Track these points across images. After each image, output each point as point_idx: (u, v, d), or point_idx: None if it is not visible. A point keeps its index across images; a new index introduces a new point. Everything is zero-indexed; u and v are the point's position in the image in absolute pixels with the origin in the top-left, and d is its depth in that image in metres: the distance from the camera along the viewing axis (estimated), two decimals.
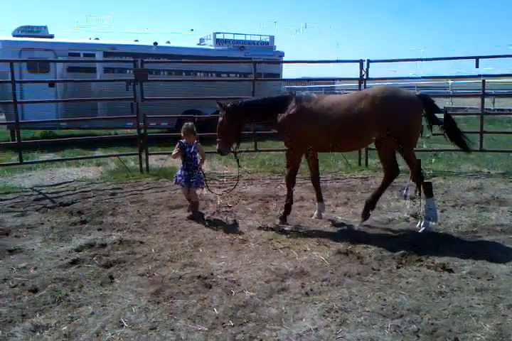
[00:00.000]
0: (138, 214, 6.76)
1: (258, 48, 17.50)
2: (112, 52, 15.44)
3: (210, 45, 17.67)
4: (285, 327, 3.64)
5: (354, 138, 6.00)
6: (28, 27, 16.07)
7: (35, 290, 4.28)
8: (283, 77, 17.83)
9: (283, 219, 6.34)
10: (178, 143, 6.62)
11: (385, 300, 4.10)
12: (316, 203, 6.71)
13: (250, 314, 3.85)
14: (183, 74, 16.37)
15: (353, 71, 11.07)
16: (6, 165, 9.99)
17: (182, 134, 6.63)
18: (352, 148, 6.85)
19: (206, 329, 3.62)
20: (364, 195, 7.86)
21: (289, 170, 6.34)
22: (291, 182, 6.39)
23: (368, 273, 4.68)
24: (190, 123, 6.68)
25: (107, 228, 6.07)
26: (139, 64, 9.76)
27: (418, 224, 6.03)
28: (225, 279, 4.51)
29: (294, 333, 3.54)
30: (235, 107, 6.31)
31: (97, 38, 16.90)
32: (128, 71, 11.60)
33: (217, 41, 17.32)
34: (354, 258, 5.04)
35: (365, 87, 10.73)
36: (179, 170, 6.72)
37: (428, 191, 5.91)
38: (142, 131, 9.95)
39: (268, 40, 17.82)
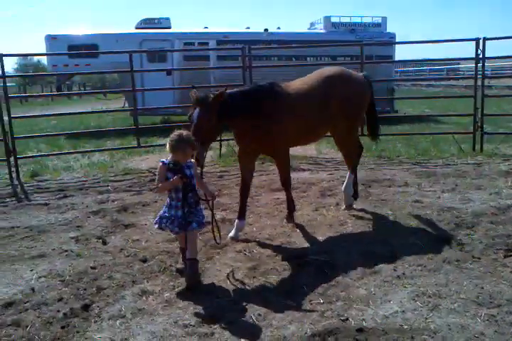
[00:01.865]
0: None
1: (369, 30, 17.09)
2: (224, 40, 16.00)
3: (320, 28, 17.58)
4: (372, 307, 3.69)
5: (324, 126, 5.81)
6: (150, 19, 17.14)
7: (144, 260, 4.73)
8: (395, 59, 17.26)
9: (290, 219, 5.75)
10: (162, 166, 4.21)
11: (482, 288, 3.97)
12: (236, 220, 5.48)
13: (340, 293, 3.95)
14: (293, 59, 16.50)
15: (470, 50, 10.47)
16: (126, 148, 10.89)
17: (170, 149, 4.14)
18: (318, 138, 6.35)
19: (295, 304, 3.79)
20: (474, 181, 7.51)
21: (285, 171, 5.62)
22: (290, 184, 5.74)
23: (468, 260, 4.53)
24: (184, 132, 4.18)
25: None
26: (247, 51, 10.04)
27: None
28: (319, 259, 4.63)
29: (380, 314, 3.58)
30: (233, 99, 4.91)
31: (206, 27, 17.57)
32: (239, 58, 11.95)
33: (328, 25, 17.18)
34: (454, 245, 4.90)
35: (482, 67, 10.12)
36: (164, 208, 4.35)
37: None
38: None
39: (380, 21, 17.32)
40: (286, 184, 5.67)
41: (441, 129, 13.54)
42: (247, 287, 4.14)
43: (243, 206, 5.49)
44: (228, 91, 4.91)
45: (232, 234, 5.32)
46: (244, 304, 3.83)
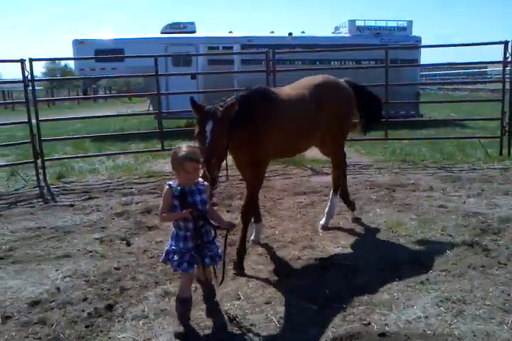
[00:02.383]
0: (264, 199, 7.07)
1: (394, 34, 16.97)
2: (248, 44, 16.08)
3: (345, 32, 17.53)
4: (394, 312, 3.66)
5: (312, 135, 5.37)
6: (175, 24, 17.33)
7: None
8: (421, 63, 17.11)
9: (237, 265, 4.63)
10: (167, 191, 3.56)
11: (509, 294, 3.89)
12: (253, 224, 5.28)
13: (362, 298, 3.92)
14: (317, 63, 16.48)
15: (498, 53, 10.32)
16: (150, 151, 11.02)
17: (174, 168, 3.55)
18: (306, 149, 5.79)
19: (316, 308, 3.78)
20: (501, 186, 7.38)
21: (255, 193, 4.90)
22: (252, 211, 4.96)
23: (494, 266, 4.46)
24: (184, 148, 3.56)
25: (234, 210, 6.46)
26: (271, 55, 10.06)
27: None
28: (341, 263, 4.61)
29: (403, 319, 3.55)
30: (247, 103, 4.45)
31: (230, 31, 17.65)
32: (262, 62, 11.99)
33: (353, 28, 17.12)
34: (480, 251, 4.82)
35: (511, 71, 9.98)
36: (170, 241, 3.67)
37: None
38: None
39: (405, 25, 17.19)
40: (247, 214, 4.82)
41: (467, 134, 13.35)
42: (269, 290, 4.14)
43: (257, 210, 5.29)
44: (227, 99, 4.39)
45: (253, 237, 5.27)
46: (266, 307, 3.83)
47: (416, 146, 11.23)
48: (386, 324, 3.50)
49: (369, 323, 3.52)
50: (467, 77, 40.90)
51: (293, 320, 3.62)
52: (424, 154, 10.46)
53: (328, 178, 8.23)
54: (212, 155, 3.90)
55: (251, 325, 3.58)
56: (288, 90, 5.22)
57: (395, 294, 3.95)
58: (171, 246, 3.62)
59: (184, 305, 3.64)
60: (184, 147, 3.53)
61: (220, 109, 4.12)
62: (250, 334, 3.45)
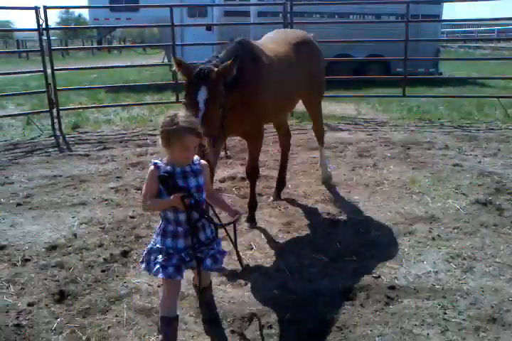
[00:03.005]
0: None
1: None
2: None
3: None
4: (404, 267, 3.71)
5: (298, 94, 5.03)
6: None
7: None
8: (443, 18, 16.51)
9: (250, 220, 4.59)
10: (153, 171, 2.64)
11: None
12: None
13: (373, 252, 3.97)
14: (336, 16, 15.98)
15: None
16: (165, 103, 10.96)
17: (167, 143, 2.59)
18: (290, 109, 5.63)
19: (328, 260, 3.84)
20: None
21: (256, 157, 4.57)
22: (257, 170, 4.68)
23: (506, 225, 4.47)
24: (181, 113, 2.63)
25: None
26: (289, 7, 9.77)
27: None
28: (354, 218, 4.65)
29: (413, 273, 3.60)
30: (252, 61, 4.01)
31: None
32: (280, 15, 11.64)
33: None
34: (493, 210, 4.82)
35: None
36: (155, 237, 2.81)
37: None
38: None
39: None
40: (253, 173, 4.62)
41: (486, 93, 13.05)
42: (281, 242, 4.20)
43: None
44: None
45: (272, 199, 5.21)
46: (278, 258, 3.90)
47: (433, 104, 11.03)
48: (396, 277, 3.55)
49: (379, 276, 3.57)
50: (489, 35, 39.61)
51: (304, 271, 3.69)
52: (441, 112, 10.28)
53: (344, 134, 8.22)
54: (210, 128, 3.19)
55: (263, 274, 3.66)
56: (271, 45, 4.62)
57: (406, 249, 4.00)
58: (154, 243, 2.72)
59: (170, 325, 2.74)
60: (181, 114, 2.60)
61: (215, 69, 3.39)
62: (261, 284, 3.53)
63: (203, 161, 2.80)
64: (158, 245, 2.70)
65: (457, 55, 28.49)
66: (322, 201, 5.11)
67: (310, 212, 4.81)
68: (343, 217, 4.68)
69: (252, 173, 4.59)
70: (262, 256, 3.93)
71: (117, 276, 3.65)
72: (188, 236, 2.63)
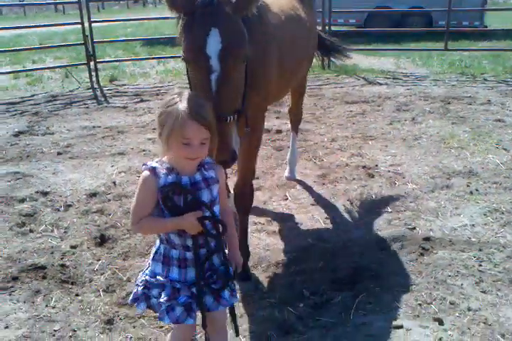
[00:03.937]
0: (314, 107, 6.98)
1: None
2: None
3: None
4: (440, 219, 3.69)
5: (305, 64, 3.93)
6: None
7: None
8: None
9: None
10: (148, 178, 1.86)
11: None
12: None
13: (409, 204, 3.95)
14: None
15: None
16: None
17: (165, 134, 1.82)
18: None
19: (362, 211, 3.86)
20: None
21: (252, 162, 3.07)
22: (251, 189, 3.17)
23: None
24: (186, 93, 1.88)
25: (283, 117, 6.42)
26: None
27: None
28: (390, 171, 4.61)
29: (449, 226, 3.58)
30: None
31: None
32: None
33: None
34: None
35: None
36: (151, 264, 2.02)
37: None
38: (327, 28, 9.86)
39: None
40: (246, 194, 3.11)
41: None
42: (316, 193, 4.22)
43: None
44: None
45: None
46: (312, 208, 3.93)
47: (477, 59, 10.59)
48: (431, 229, 3.54)
49: (414, 228, 3.57)
50: None
51: (338, 221, 3.72)
52: (484, 67, 9.87)
53: (382, 88, 8.04)
54: (227, 107, 2.15)
55: (296, 223, 3.70)
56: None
57: (442, 202, 3.96)
58: (151, 272, 1.99)
59: None
60: (187, 93, 1.89)
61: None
62: (295, 231, 3.58)
63: (217, 164, 2.04)
64: (158, 277, 1.95)
65: (505, 6, 26.98)
66: (358, 154, 5.07)
67: (345, 165, 4.78)
68: (379, 170, 4.64)
69: (244, 194, 3.08)
70: (297, 206, 3.97)
71: None
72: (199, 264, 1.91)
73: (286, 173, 4.53)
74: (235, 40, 2.16)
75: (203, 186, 1.90)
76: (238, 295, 2.83)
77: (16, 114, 7.01)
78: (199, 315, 1.97)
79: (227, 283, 1.98)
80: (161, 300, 1.91)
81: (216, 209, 1.95)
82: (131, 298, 2.02)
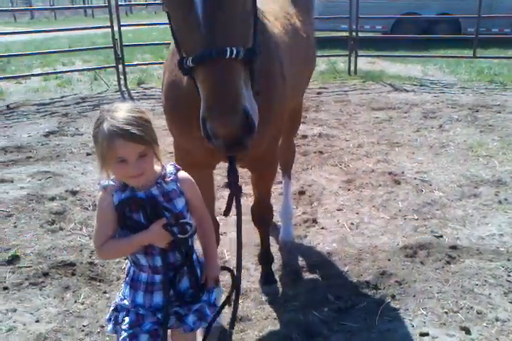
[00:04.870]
0: (340, 113, 6.97)
1: None
2: None
3: None
4: (468, 228, 3.65)
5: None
6: None
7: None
8: None
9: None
10: (104, 197, 1.77)
11: None
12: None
13: (435, 212, 3.92)
14: None
15: None
16: None
17: (97, 154, 1.73)
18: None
19: (388, 217, 3.84)
20: None
21: (269, 186, 2.85)
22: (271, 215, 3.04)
23: None
24: (114, 109, 1.69)
25: (309, 122, 6.44)
26: None
27: None
28: (416, 178, 4.57)
29: (476, 235, 3.54)
30: None
31: None
32: None
33: None
34: None
35: None
36: (123, 288, 1.92)
37: None
38: (353, 34, 9.85)
39: None
40: (266, 214, 2.96)
41: None
42: (341, 198, 4.22)
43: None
44: None
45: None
46: (337, 213, 3.93)
47: (506, 66, 10.44)
48: (458, 238, 3.51)
49: (441, 236, 3.54)
50: None
51: (363, 227, 3.71)
52: None
53: (409, 95, 7.98)
54: (228, 37, 1.56)
55: (322, 228, 3.71)
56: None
57: (470, 211, 3.92)
58: (123, 297, 1.90)
59: None
60: (118, 107, 1.72)
61: None
62: (321, 236, 3.59)
63: (182, 173, 1.87)
64: (124, 301, 1.87)
65: None
66: (384, 161, 5.05)
67: (371, 171, 4.76)
68: (405, 177, 4.61)
69: (266, 215, 2.95)
70: (322, 211, 3.98)
71: None
72: (167, 288, 1.80)
73: (282, 234, 3.56)
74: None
75: (161, 201, 1.75)
76: (263, 298, 2.91)
77: (46, 115, 7.16)
78: None
79: (192, 308, 1.85)
80: (123, 326, 1.82)
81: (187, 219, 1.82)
82: (108, 324, 1.92)
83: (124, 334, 1.80)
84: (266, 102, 2.08)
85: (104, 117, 1.67)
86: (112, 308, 1.91)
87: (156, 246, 1.76)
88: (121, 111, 1.68)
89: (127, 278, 1.89)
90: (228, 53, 1.45)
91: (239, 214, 1.97)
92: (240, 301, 2.84)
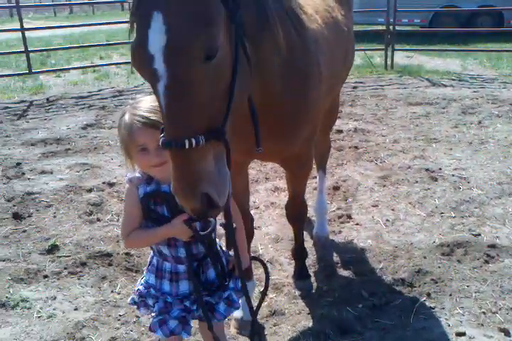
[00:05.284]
0: (375, 107, 6.88)
1: None
2: None
3: None
4: (507, 227, 3.56)
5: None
6: None
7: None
8: None
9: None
10: (131, 190, 1.83)
11: None
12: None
13: (474, 209, 3.83)
14: None
15: None
16: None
17: (124, 148, 1.80)
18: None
19: (424, 215, 3.77)
20: None
21: (303, 185, 2.83)
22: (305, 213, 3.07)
23: None
24: (138, 101, 1.80)
25: (344, 117, 6.37)
26: None
27: None
28: (454, 175, 4.48)
29: None
30: None
31: None
32: None
33: None
34: None
35: None
36: (146, 275, 1.99)
37: None
38: (391, 28, 9.68)
39: None
40: (302, 211, 2.98)
41: None
42: (377, 194, 4.17)
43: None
44: None
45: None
46: (372, 209, 3.89)
47: None
48: (497, 237, 3.42)
49: (479, 234, 3.46)
50: None
51: (399, 224, 3.66)
52: None
53: (447, 90, 7.81)
54: (183, 128, 1.47)
55: (356, 224, 3.68)
56: None
57: (510, 209, 3.81)
58: (146, 282, 1.96)
59: None
60: (139, 100, 1.81)
61: None
62: (355, 232, 3.56)
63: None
64: (151, 288, 1.93)
65: None
66: (421, 157, 4.96)
67: (408, 167, 4.68)
68: (443, 173, 4.52)
69: (300, 212, 2.96)
70: (357, 206, 3.94)
71: None
72: (193, 277, 1.82)
73: (316, 229, 3.56)
74: (187, 27, 1.37)
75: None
76: (297, 292, 2.91)
77: (84, 108, 7.31)
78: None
79: (222, 295, 1.91)
80: (153, 313, 1.91)
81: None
82: (129, 300, 2.02)
83: (155, 319, 1.88)
84: (301, 103, 2.20)
85: (128, 109, 1.77)
86: (135, 296, 1.96)
87: (179, 239, 1.80)
88: (144, 102, 1.77)
89: (151, 267, 1.94)
90: (187, 145, 1.43)
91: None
92: (273, 295, 2.88)
